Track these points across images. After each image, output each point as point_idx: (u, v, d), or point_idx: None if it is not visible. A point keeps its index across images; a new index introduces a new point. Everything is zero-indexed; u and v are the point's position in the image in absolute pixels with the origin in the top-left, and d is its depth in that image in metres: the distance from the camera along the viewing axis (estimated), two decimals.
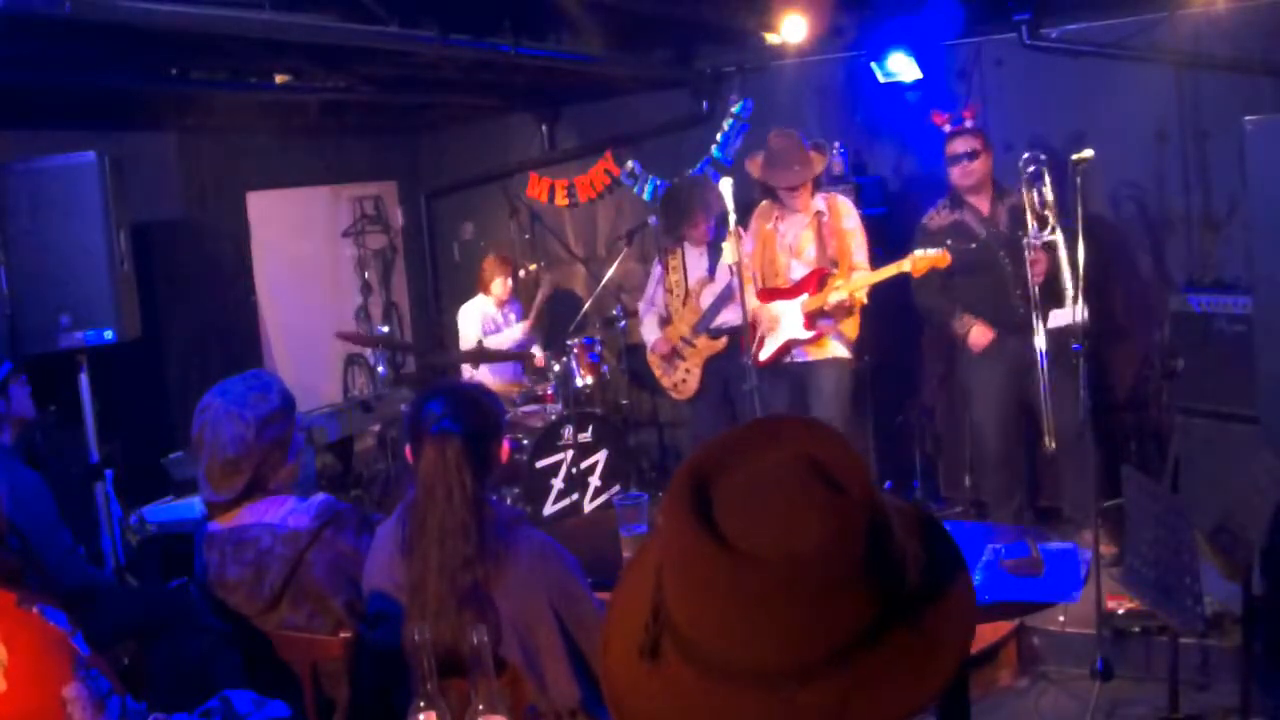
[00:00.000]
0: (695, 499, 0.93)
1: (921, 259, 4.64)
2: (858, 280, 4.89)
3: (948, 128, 5.00)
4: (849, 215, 5.04)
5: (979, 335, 4.85)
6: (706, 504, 0.93)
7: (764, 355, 5.06)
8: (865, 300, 4.93)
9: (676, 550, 0.94)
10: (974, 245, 4.81)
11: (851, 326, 5.01)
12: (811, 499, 0.91)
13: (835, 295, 4.85)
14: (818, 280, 4.97)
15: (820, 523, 0.89)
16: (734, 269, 4.51)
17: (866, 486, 0.92)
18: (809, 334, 4.98)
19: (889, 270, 4.77)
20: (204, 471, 2.57)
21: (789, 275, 5.07)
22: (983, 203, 4.90)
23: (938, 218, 4.97)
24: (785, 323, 5.04)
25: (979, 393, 5.01)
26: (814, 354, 5.05)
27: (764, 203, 5.18)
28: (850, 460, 0.94)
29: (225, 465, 2.53)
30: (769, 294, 5.11)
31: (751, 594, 0.88)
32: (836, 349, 5.03)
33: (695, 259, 5.73)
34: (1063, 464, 4.89)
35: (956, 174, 4.87)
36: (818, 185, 5.05)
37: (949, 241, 4.81)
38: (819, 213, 5.00)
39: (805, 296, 4.98)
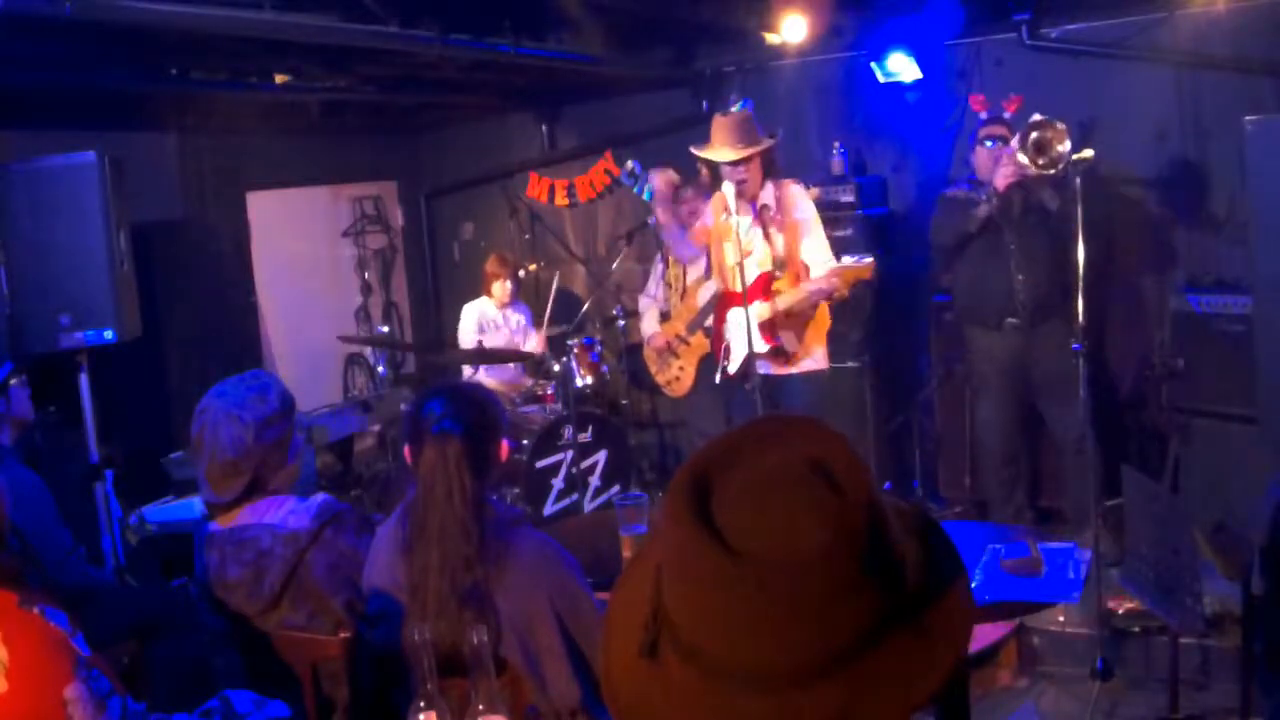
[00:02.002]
0: (695, 498, 0.93)
1: (849, 270, 4.16)
2: (787, 296, 4.31)
3: (984, 114, 4.94)
4: (801, 205, 4.37)
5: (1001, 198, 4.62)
6: (706, 503, 0.92)
7: (732, 369, 4.46)
8: (846, 294, 4.31)
9: (675, 550, 0.93)
10: (984, 204, 4.66)
11: (817, 332, 4.47)
12: (812, 500, 0.91)
13: (782, 302, 4.29)
14: (764, 286, 4.35)
15: (820, 524, 0.89)
16: (738, 269, 4.40)
17: (866, 488, 0.92)
18: (767, 347, 4.35)
19: (812, 286, 4.26)
20: (203, 473, 2.57)
21: (741, 277, 4.17)
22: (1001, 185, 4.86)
23: (957, 190, 4.96)
24: (741, 334, 4.17)
25: (981, 388, 5.06)
26: (778, 368, 4.45)
27: (718, 193, 4.41)
28: (851, 461, 0.94)
29: (224, 467, 2.53)
30: (727, 300, 4.48)
31: (751, 595, 0.88)
32: (804, 362, 4.44)
33: None
34: (1063, 463, 4.90)
35: (981, 158, 4.82)
36: (770, 173, 4.38)
37: (968, 210, 4.76)
38: (765, 206, 4.35)
39: (758, 304, 4.29)
